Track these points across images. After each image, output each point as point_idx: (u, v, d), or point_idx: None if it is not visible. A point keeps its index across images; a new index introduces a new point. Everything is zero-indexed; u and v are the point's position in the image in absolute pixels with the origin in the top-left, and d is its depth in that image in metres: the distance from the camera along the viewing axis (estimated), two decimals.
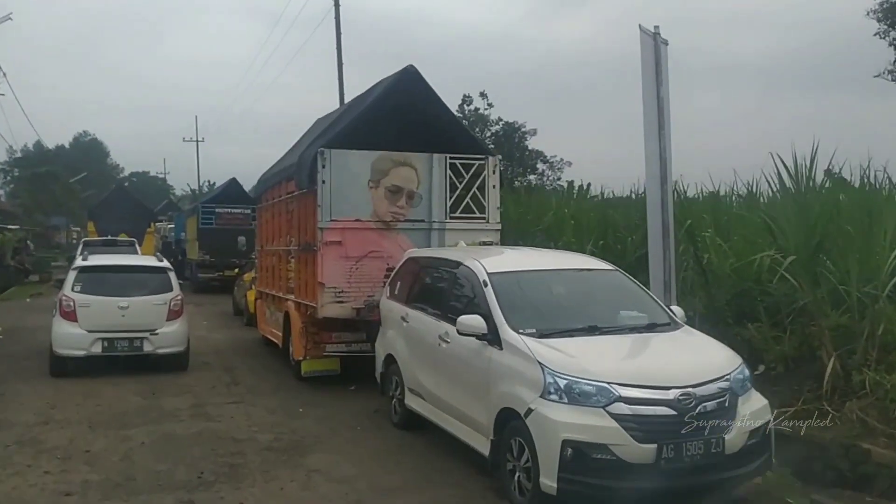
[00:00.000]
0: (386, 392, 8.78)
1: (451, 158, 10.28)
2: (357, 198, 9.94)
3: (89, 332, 11.01)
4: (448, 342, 7.07)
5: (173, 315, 11.50)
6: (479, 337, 6.43)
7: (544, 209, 16.05)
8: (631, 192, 14.60)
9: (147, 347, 11.28)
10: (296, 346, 10.83)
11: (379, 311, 9.27)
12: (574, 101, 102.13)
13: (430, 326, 7.56)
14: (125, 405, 9.58)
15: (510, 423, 5.98)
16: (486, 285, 6.78)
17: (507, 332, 6.26)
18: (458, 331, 6.55)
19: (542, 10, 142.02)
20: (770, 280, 10.19)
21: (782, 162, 8.40)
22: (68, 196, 57.80)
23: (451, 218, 10.30)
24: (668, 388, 5.57)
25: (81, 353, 11.03)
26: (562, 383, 5.58)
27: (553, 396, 5.59)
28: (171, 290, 11.70)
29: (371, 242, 9.97)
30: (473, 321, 6.44)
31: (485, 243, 10.08)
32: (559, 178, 35.43)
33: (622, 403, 5.47)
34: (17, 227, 42.01)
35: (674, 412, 5.50)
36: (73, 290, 11.30)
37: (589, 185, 16.77)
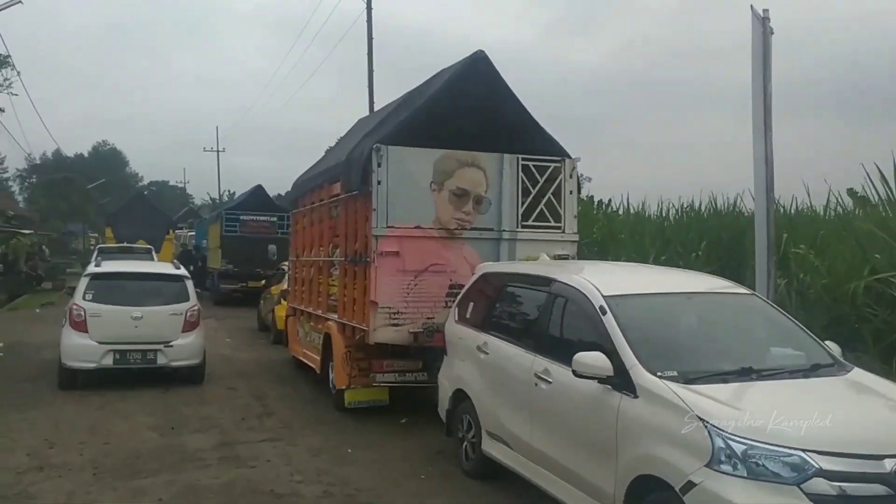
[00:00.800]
0: (453, 433, 7.33)
1: (524, 160, 8.86)
2: (417, 202, 8.54)
3: (100, 343, 10.42)
4: (549, 382, 5.62)
5: (189, 326, 10.89)
6: (603, 380, 4.98)
7: (590, 222, 14.94)
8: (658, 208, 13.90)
9: (161, 360, 10.71)
10: (338, 374, 9.42)
11: (443, 336, 7.86)
12: (586, 124, 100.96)
13: (519, 361, 6.12)
14: (138, 444, 8.13)
15: (653, 496, 4.51)
16: (603, 312, 5.33)
17: (642, 375, 4.80)
18: (574, 371, 5.09)
19: (558, 32, 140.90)
20: (871, 302, 8.93)
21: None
22: (85, 202, 57.23)
23: (522, 227, 8.88)
24: (881, 458, 4.11)
25: (92, 365, 10.44)
26: (738, 449, 4.11)
27: (725, 467, 4.12)
28: (187, 299, 11.08)
29: (432, 254, 8.56)
30: (595, 360, 4.99)
31: (560, 257, 8.66)
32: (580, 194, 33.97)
33: (822, 480, 4.00)
34: (30, 232, 40.95)
35: (891, 490, 4.04)
36: (84, 298, 10.67)
37: (627, 201, 15.37)
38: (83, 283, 10.98)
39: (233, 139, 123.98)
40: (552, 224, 8.95)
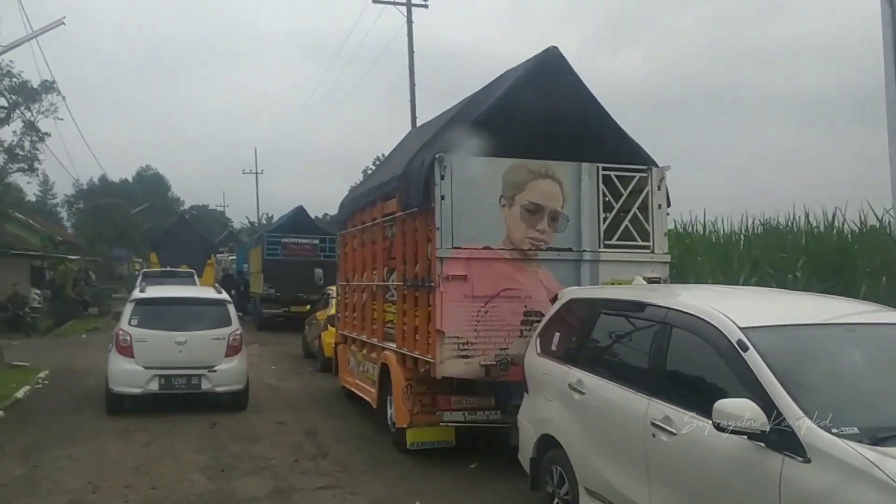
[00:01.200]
0: (540, 486, 6.25)
1: (605, 169, 7.84)
2: (486, 219, 7.56)
3: (146, 368, 10.39)
4: (672, 433, 4.55)
5: (232, 351, 10.79)
6: (755, 436, 3.91)
7: None
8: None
9: (205, 385, 10.58)
10: (398, 410, 8.44)
11: (520, 370, 6.83)
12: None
13: (628, 405, 5.05)
14: (187, 488, 7.28)
15: None
16: (744, 348, 4.25)
17: (814, 432, 3.71)
18: (715, 424, 4.01)
19: (594, 47, 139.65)
20: None
21: None
22: (130, 227, 57.27)
23: (605, 246, 7.83)
24: None
25: (138, 390, 10.41)
26: None
27: None
28: (229, 324, 10.98)
29: (504, 277, 7.56)
30: (742, 409, 3.90)
31: (651, 280, 7.59)
32: None
33: None
34: (77, 257, 40.91)
35: None
36: (129, 323, 10.69)
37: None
38: (128, 309, 10.94)
39: (271, 162, 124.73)
40: (639, 243, 7.89)
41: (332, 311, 14.94)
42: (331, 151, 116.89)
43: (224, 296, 11.62)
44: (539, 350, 6.54)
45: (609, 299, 6.07)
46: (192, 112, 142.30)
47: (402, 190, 8.23)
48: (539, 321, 7.57)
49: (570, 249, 7.79)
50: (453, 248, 7.42)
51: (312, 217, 29.31)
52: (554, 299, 7.39)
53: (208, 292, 12.40)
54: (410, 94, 25.62)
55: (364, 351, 10.45)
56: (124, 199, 61.93)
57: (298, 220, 24.69)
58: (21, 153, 27.76)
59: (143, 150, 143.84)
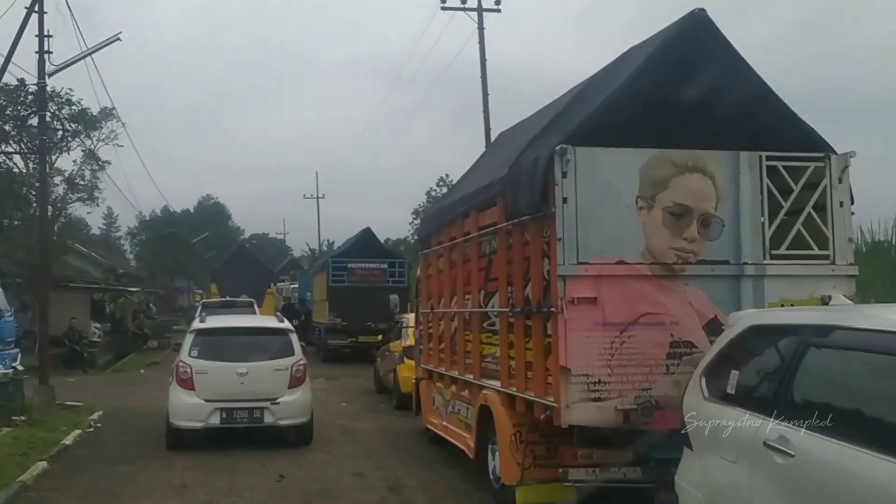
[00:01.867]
0: None
1: (769, 159, 6.31)
2: (619, 225, 6.12)
3: (207, 401, 10.11)
4: None
5: (295, 382, 10.43)
6: None
7: None
8: None
9: (268, 419, 10.21)
10: (504, 463, 7.00)
11: (680, 418, 5.34)
12: None
13: (874, 476, 3.51)
14: None
15: None
16: None
17: None
18: None
19: None
20: None
21: None
22: (191, 258, 57.46)
23: (772, 257, 6.28)
24: None
25: (199, 424, 10.13)
26: None
27: None
28: (292, 354, 10.67)
29: (644, 299, 6.09)
30: None
31: (825, 300, 6.04)
32: None
33: None
34: (137, 289, 40.78)
35: None
36: (190, 355, 10.44)
37: None
38: (189, 340, 10.71)
39: (332, 188, 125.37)
40: (816, 252, 6.32)
41: (409, 341, 13.65)
42: (392, 175, 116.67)
43: (286, 325, 11.32)
44: (707, 393, 5.03)
45: (825, 326, 4.50)
46: (253, 140, 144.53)
47: (509, 194, 6.84)
48: (688, 353, 6.11)
49: (726, 262, 6.26)
50: (579, 263, 5.98)
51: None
52: (712, 326, 5.93)
53: (270, 321, 12.27)
54: (483, 104, 24.37)
55: (454, 388, 9.07)
56: (185, 230, 62.29)
57: (365, 242, 23.45)
58: (81, 183, 27.56)
59: (204, 179, 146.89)
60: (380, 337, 17.57)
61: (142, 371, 21.71)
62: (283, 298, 38.35)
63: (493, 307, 7.65)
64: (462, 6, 24.82)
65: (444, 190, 44.89)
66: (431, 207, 10.93)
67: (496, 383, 7.44)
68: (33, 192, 24.81)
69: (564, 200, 5.97)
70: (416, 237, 45.82)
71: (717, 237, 6.25)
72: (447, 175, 45.41)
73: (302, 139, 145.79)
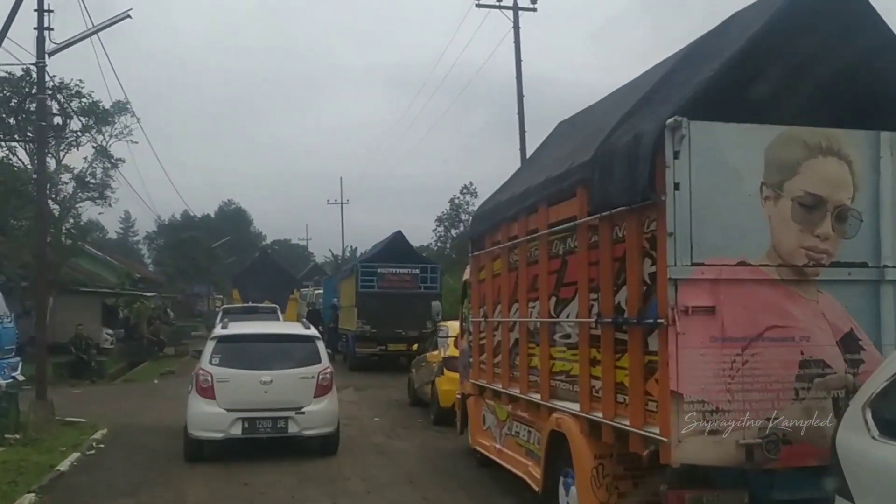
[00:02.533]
0: None
1: None
2: (740, 219, 5.12)
3: (228, 410, 9.81)
4: None
5: (322, 391, 10.16)
6: None
7: None
8: None
9: (292, 429, 9.96)
10: (585, 501, 6.03)
11: (823, 455, 4.36)
12: None
13: None
14: None
15: None
16: None
17: None
18: None
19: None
20: None
21: None
22: (210, 262, 56.78)
23: None
24: None
25: (220, 435, 9.81)
26: None
27: None
28: (318, 361, 10.37)
29: (769, 309, 5.09)
30: None
31: None
32: None
33: None
34: (153, 294, 40.07)
35: None
36: (210, 362, 10.10)
37: None
38: (209, 347, 10.36)
39: (353, 196, 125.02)
40: None
41: (450, 351, 12.71)
42: (415, 183, 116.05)
43: (312, 331, 11.08)
44: (878, 431, 4.03)
45: None
46: (276, 146, 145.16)
47: (595, 182, 5.85)
48: (820, 375, 5.16)
49: (864, 265, 5.26)
50: (693, 264, 4.98)
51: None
52: (847, 342, 4.97)
53: (295, 328, 12.00)
54: (518, 105, 23.52)
55: (510, 408, 8.11)
56: (205, 235, 61.73)
57: (397, 247, 22.50)
58: (93, 181, 26.85)
59: (225, 184, 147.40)
60: (415, 346, 16.58)
61: (155, 381, 20.89)
62: (308, 304, 37.61)
63: (568, 317, 6.66)
64: (497, 4, 23.95)
65: (468, 198, 44.27)
66: (485, 204, 9.85)
67: (572, 406, 6.46)
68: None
69: (676, 187, 4.97)
70: (440, 244, 45.18)
71: (854, 234, 5.25)
72: (471, 183, 44.95)
73: (325, 146, 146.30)
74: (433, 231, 47.33)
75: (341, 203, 58.98)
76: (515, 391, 7.86)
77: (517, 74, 23.84)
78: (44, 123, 12.84)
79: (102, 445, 11.40)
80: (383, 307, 20.90)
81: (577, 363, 6.45)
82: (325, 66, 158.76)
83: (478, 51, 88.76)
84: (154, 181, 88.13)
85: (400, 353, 21.69)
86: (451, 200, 45.27)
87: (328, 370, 10.33)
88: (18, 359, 19.42)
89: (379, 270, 21.38)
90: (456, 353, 12.57)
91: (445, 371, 12.69)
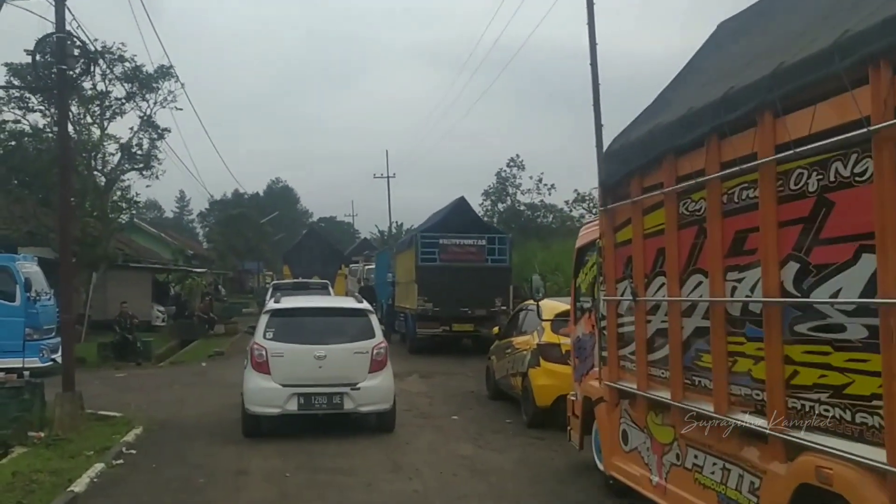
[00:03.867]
0: None
1: None
2: None
3: (283, 386, 9.37)
4: None
5: (377, 366, 9.65)
6: None
7: None
8: None
9: (348, 405, 9.47)
10: None
11: None
12: None
13: None
14: None
15: None
16: None
17: None
18: None
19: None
20: None
21: None
22: (260, 239, 55.09)
23: None
24: None
25: (276, 411, 9.39)
26: None
27: None
28: (373, 336, 9.87)
29: None
30: None
31: None
32: None
33: None
34: (204, 270, 38.03)
35: None
36: (265, 337, 9.68)
37: None
38: (263, 321, 9.93)
39: (399, 171, 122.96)
40: None
41: (546, 337, 9.95)
42: (460, 159, 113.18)
43: (365, 305, 10.47)
44: None
45: None
46: (322, 125, 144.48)
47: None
48: None
49: None
50: None
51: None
52: None
53: (348, 301, 11.59)
54: (594, 85, 20.19)
55: (685, 429, 5.26)
56: (255, 211, 60.10)
57: (460, 214, 19.44)
58: (139, 153, 24.55)
59: (273, 163, 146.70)
60: (494, 330, 13.69)
61: (203, 364, 18.44)
62: (358, 280, 35.17)
63: (837, 294, 3.77)
64: None
65: (515, 171, 40.85)
66: (626, 133, 6.72)
67: (854, 448, 3.59)
68: (83, 158, 21.88)
69: None
70: (487, 217, 41.77)
71: None
72: (517, 156, 41.80)
73: (370, 124, 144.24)
74: (479, 205, 44.24)
75: (387, 177, 56.04)
76: (702, 406, 4.99)
77: (590, 44, 20.37)
78: (63, 67, 10.25)
79: (133, 451, 8.90)
80: (446, 283, 18.12)
81: (862, 376, 3.57)
82: (369, 47, 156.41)
83: (517, 30, 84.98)
84: (204, 161, 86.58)
85: (464, 334, 18.96)
86: (498, 174, 41.73)
87: (383, 345, 9.77)
88: (59, 339, 17.26)
89: (441, 241, 18.54)
90: (556, 339, 9.80)
91: (542, 361, 9.90)
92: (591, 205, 37.95)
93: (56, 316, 16.76)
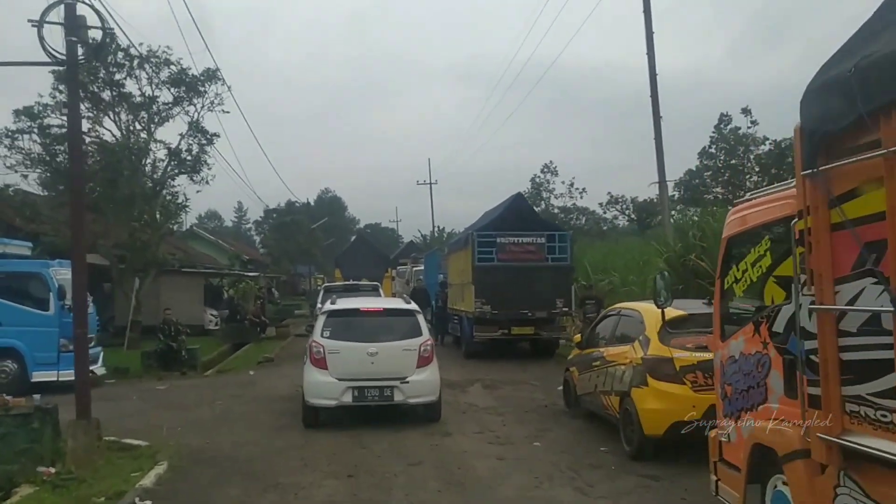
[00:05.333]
0: None
1: None
2: None
3: (339, 380, 9.37)
4: None
5: (423, 362, 9.58)
6: None
7: None
8: None
9: (398, 397, 9.41)
10: None
11: None
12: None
13: None
14: None
15: None
16: None
17: None
18: None
19: (742, 53, 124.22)
20: None
21: None
22: (311, 244, 53.60)
23: None
24: None
25: (332, 402, 9.40)
26: None
27: None
28: (420, 334, 9.77)
29: None
30: None
31: None
32: None
33: None
34: (256, 274, 36.09)
35: None
36: (322, 335, 9.67)
37: None
38: (321, 321, 9.94)
39: (440, 180, 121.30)
40: None
41: (653, 350, 7.39)
42: (496, 167, 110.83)
43: (413, 306, 10.44)
44: None
45: None
46: (368, 139, 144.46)
47: None
48: None
49: None
50: None
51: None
52: None
53: (397, 303, 11.60)
54: (651, 87, 17.62)
55: None
56: (306, 219, 58.82)
57: (517, 211, 16.73)
58: (188, 158, 22.44)
59: (322, 175, 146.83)
60: (576, 337, 11.12)
61: (251, 372, 16.08)
62: (407, 282, 32.84)
63: None
64: None
65: (549, 176, 39.53)
66: (836, 62, 4.18)
67: None
68: (131, 159, 19.87)
69: None
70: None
71: None
72: (551, 162, 39.90)
73: (411, 138, 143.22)
74: None
75: (430, 183, 54.22)
76: None
77: (648, 49, 17.83)
78: (73, 39, 8.01)
79: (149, 502, 6.53)
80: (505, 283, 15.59)
81: None
82: (409, 67, 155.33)
83: (549, 47, 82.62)
84: (260, 174, 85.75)
85: (524, 338, 16.41)
86: (532, 179, 40.29)
87: (429, 342, 9.85)
88: (100, 348, 15.07)
89: (498, 240, 15.98)
90: (668, 352, 7.23)
91: (650, 379, 7.33)
92: (624, 206, 37.82)
93: (97, 324, 14.65)
